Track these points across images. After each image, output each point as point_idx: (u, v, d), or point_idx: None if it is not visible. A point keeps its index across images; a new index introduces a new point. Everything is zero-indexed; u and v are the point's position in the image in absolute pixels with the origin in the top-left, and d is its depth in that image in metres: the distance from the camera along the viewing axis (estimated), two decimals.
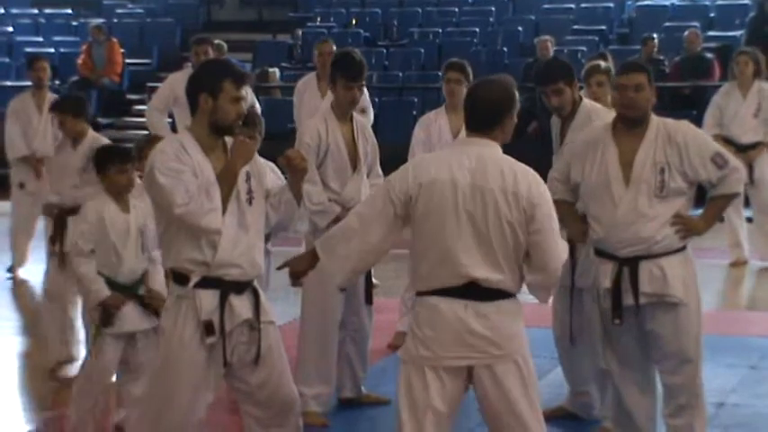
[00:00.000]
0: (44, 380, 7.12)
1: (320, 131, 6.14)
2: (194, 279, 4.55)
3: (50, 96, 9.64)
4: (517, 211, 4.21)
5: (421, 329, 4.28)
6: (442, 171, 4.25)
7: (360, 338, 6.48)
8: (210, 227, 4.47)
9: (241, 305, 4.60)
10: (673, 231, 5.02)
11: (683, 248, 5.08)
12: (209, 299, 4.55)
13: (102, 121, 17.50)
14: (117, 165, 5.60)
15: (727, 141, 10.14)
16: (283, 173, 4.93)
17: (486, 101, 4.36)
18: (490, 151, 4.32)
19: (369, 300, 6.35)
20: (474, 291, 4.23)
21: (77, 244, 5.54)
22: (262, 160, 4.83)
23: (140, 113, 16.66)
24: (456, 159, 4.28)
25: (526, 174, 4.29)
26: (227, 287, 4.57)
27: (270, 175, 4.83)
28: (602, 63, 6.85)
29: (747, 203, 10.22)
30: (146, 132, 12.39)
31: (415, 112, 14.01)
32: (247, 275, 4.62)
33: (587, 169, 5.13)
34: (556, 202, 4.52)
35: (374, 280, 9.37)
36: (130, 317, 5.62)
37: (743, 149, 10.17)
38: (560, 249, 4.31)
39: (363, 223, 4.35)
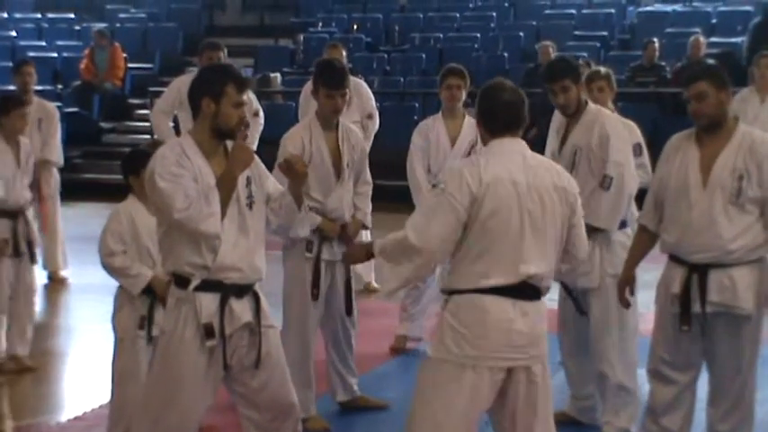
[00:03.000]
0: None
1: (303, 140, 6.09)
2: (194, 282, 4.55)
3: (37, 101, 9.62)
4: (566, 205, 4.37)
5: (468, 328, 4.24)
6: (502, 171, 4.27)
7: (338, 342, 6.42)
8: (210, 231, 4.47)
9: (241, 309, 4.60)
10: (748, 243, 4.97)
11: (758, 260, 5.02)
12: (209, 302, 4.55)
13: (104, 125, 17.54)
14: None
15: None
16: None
17: (512, 103, 4.42)
18: (528, 151, 4.41)
19: (349, 310, 6.31)
20: (522, 289, 4.27)
21: (108, 245, 5.49)
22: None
23: (142, 118, 16.70)
24: (507, 160, 4.31)
25: (561, 168, 4.49)
26: (227, 290, 4.57)
27: (271, 179, 4.84)
28: (603, 69, 6.85)
29: None
30: (148, 136, 12.45)
31: (416, 117, 13.99)
32: (248, 279, 4.63)
33: (667, 172, 5.11)
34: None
35: (375, 284, 9.47)
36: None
37: None
38: (585, 237, 4.56)
39: (422, 240, 4.26)
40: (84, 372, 7.46)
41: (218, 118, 4.57)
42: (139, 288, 5.48)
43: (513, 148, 4.38)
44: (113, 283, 5.69)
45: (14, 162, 7.37)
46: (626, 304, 5.38)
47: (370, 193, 6.50)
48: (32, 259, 7.47)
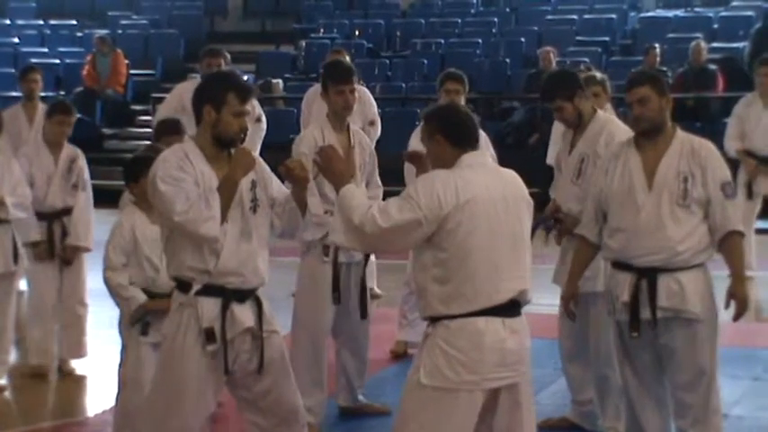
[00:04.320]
0: None
1: (317, 140, 6.13)
2: (196, 286, 4.56)
3: (42, 108, 9.64)
4: (530, 215, 4.38)
5: (463, 353, 4.19)
6: (479, 188, 4.23)
7: (355, 349, 6.46)
8: (209, 234, 4.47)
9: (243, 313, 4.60)
10: (695, 245, 5.01)
11: (702, 264, 5.08)
12: (210, 306, 4.55)
13: (106, 131, 17.55)
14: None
15: (749, 154, 10.15)
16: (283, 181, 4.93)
17: (470, 118, 4.42)
18: (493, 163, 4.38)
19: (364, 314, 6.33)
20: (509, 307, 4.25)
21: (110, 258, 5.50)
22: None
23: (144, 124, 16.70)
24: (483, 174, 4.28)
25: (517, 177, 4.44)
26: (228, 295, 4.57)
27: (276, 182, 4.84)
28: (598, 74, 6.87)
29: (766, 215, 10.20)
30: (150, 143, 12.44)
31: (417, 123, 14.00)
32: (250, 284, 4.63)
33: (609, 178, 5.14)
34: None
35: (377, 290, 9.47)
36: None
37: (766, 161, 10.18)
38: None
39: (387, 229, 4.18)
40: (89, 377, 7.47)
41: (219, 126, 4.58)
42: (129, 311, 5.47)
43: (485, 161, 4.39)
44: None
45: (53, 165, 7.47)
46: (572, 316, 5.42)
47: (382, 196, 6.52)
48: (65, 262, 7.53)
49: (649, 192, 5.03)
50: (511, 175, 4.41)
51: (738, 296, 5.05)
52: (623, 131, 5.73)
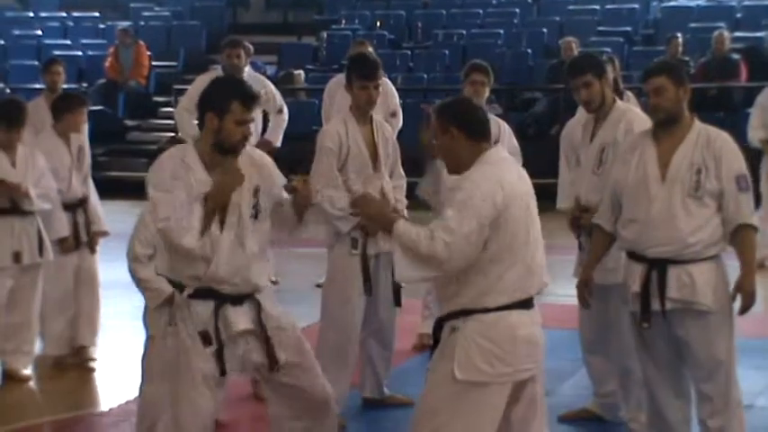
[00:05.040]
0: None
1: (340, 134, 6.15)
2: (188, 290, 4.57)
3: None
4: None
5: (499, 346, 4.23)
6: (512, 184, 4.27)
7: (383, 339, 6.49)
8: (186, 245, 4.46)
9: (237, 316, 4.57)
10: (706, 238, 5.01)
11: (715, 256, 5.07)
12: (202, 309, 4.55)
13: (128, 123, 17.63)
14: None
15: None
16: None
17: (482, 112, 4.47)
18: (512, 158, 4.44)
19: (398, 302, 6.35)
20: (531, 300, 4.32)
21: (136, 250, 5.50)
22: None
23: (166, 116, 16.76)
24: (507, 171, 4.31)
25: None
26: (222, 299, 4.55)
27: (280, 184, 4.76)
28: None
29: None
30: (172, 134, 12.51)
31: None
32: (241, 291, 4.59)
33: (626, 169, 5.15)
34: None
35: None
36: None
37: None
38: None
39: (457, 244, 4.15)
40: (112, 368, 7.51)
41: (221, 134, 4.53)
42: (156, 303, 5.48)
43: (507, 156, 4.44)
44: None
45: (69, 157, 7.53)
46: (586, 305, 5.43)
47: (405, 186, 6.54)
48: (92, 249, 7.60)
49: (662, 183, 5.03)
50: (522, 170, 4.46)
51: (745, 289, 5.04)
52: (642, 120, 5.73)
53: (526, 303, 4.29)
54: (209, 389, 4.59)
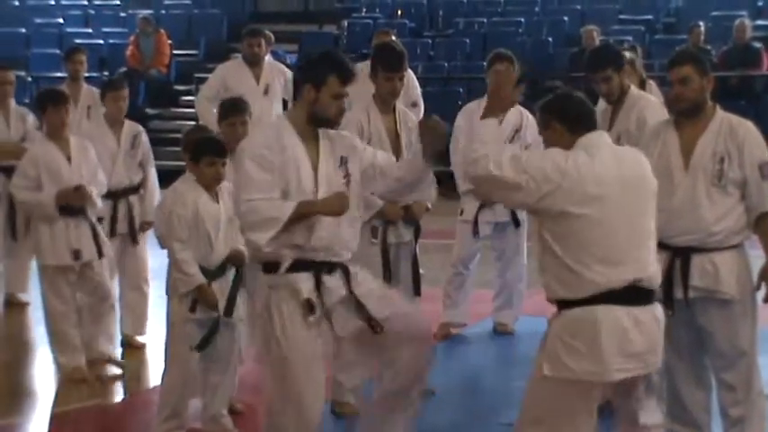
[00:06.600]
0: None
1: (362, 123, 6.15)
2: (285, 263, 4.60)
3: (86, 89, 9.69)
4: (652, 196, 4.37)
5: (582, 344, 4.16)
6: (599, 168, 4.21)
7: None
8: (254, 242, 4.54)
9: (334, 283, 4.65)
10: (731, 226, 5.00)
11: (738, 244, 5.06)
12: (304, 280, 4.61)
13: (149, 111, 17.67)
14: (207, 157, 5.58)
15: None
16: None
17: (585, 104, 4.41)
18: (611, 143, 4.41)
19: (417, 291, 6.35)
20: (633, 294, 4.21)
21: (177, 229, 5.52)
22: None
23: (187, 104, 16.79)
24: (596, 155, 4.24)
25: (642, 157, 4.49)
26: (319, 268, 4.63)
27: (369, 149, 4.90)
28: (628, 54, 6.83)
29: None
30: (193, 123, 12.51)
31: (460, 102, 13.99)
32: (339, 257, 4.69)
33: (650, 159, 5.12)
34: None
35: (420, 270, 9.46)
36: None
37: None
38: None
39: (492, 176, 4.24)
40: (134, 354, 7.51)
41: (317, 105, 4.65)
42: (186, 289, 5.51)
43: (601, 142, 4.34)
44: (164, 267, 5.75)
45: (116, 144, 7.53)
46: None
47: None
48: (133, 240, 7.57)
49: (685, 172, 5.03)
50: (630, 155, 4.40)
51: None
52: (653, 107, 5.73)
53: (615, 298, 4.16)
54: (320, 363, 4.66)
